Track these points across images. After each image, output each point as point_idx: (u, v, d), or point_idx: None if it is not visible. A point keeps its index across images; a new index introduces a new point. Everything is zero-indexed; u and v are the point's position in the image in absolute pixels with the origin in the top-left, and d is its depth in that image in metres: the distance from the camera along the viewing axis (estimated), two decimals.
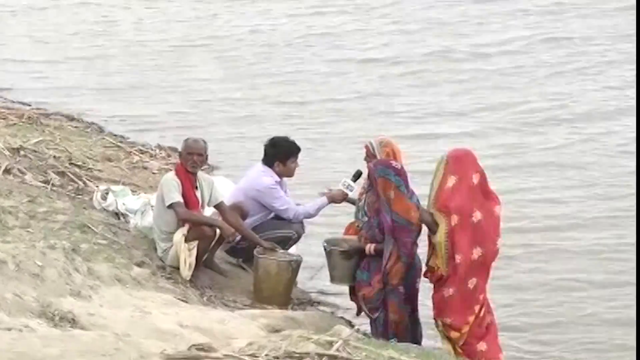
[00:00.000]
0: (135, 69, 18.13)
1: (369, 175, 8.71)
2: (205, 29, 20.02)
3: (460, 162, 8.19)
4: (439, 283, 8.30)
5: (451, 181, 8.14)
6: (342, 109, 15.46)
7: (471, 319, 8.28)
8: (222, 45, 19.03)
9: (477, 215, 8.17)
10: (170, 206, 9.27)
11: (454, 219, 8.12)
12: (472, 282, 8.23)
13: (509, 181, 12.33)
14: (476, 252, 8.18)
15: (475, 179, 8.19)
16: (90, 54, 18.86)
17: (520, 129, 14.34)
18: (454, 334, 8.30)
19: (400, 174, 8.41)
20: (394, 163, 8.47)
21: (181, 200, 9.29)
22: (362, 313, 8.94)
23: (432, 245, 8.31)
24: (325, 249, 8.80)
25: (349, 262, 8.68)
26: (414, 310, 8.67)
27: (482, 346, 8.38)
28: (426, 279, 8.52)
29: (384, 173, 8.42)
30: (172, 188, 9.31)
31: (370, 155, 8.68)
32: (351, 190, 9.54)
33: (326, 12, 20.53)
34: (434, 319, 8.46)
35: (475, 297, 8.27)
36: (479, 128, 14.30)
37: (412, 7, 20.18)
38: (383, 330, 8.54)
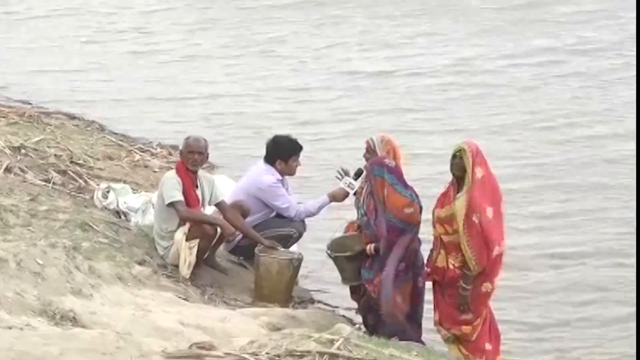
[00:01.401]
0: (139, 74, 18.21)
1: (367, 174, 8.77)
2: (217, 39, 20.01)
3: (481, 154, 8.13)
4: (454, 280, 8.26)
5: (479, 172, 8.07)
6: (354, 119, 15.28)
7: (484, 312, 8.28)
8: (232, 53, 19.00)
9: (502, 208, 8.17)
10: (171, 205, 9.27)
11: (489, 211, 8.07)
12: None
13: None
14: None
15: (492, 170, 8.18)
16: (95, 60, 18.84)
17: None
18: (465, 329, 8.26)
19: (393, 171, 8.42)
20: (386, 161, 8.48)
21: (182, 198, 9.29)
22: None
23: (443, 244, 8.27)
24: (329, 256, 8.84)
25: (355, 263, 8.74)
26: (415, 308, 8.66)
27: (488, 346, 8.38)
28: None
29: (378, 172, 8.44)
30: (172, 187, 9.31)
31: (370, 151, 8.70)
32: (352, 189, 9.53)
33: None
34: (440, 324, 8.45)
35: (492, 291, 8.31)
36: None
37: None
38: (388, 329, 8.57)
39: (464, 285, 8.15)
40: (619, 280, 10.33)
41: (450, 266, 8.23)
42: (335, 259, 8.85)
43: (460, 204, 8.06)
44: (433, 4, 20.74)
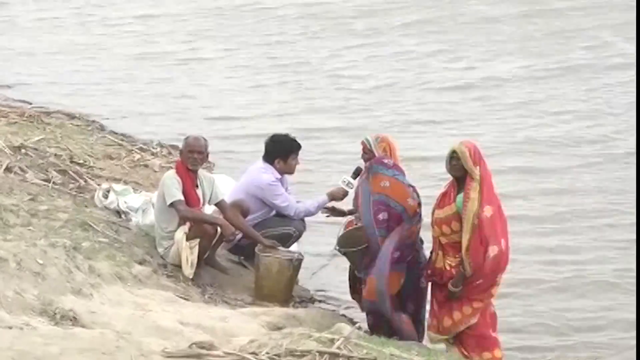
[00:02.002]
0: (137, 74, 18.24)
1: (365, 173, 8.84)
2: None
3: (479, 153, 8.11)
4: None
5: (477, 172, 8.03)
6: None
7: (486, 301, 8.26)
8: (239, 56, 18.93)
9: (496, 206, 8.12)
10: (172, 204, 9.27)
11: (488, 209, 8.00)
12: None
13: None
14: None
15: (489, 170, 8.15)
16: (96, 62, 18.83)
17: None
18: (465, 309, 8.19)
19: (390, 167, 8.43)
20: (385, 160, 8.49)
21: (182, 198, 9.29)
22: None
23: (441, 246, 8.25)
24: (339, 252, 8.85)
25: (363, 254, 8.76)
26: (418, 309, 8.65)
27: (493, 333, 8.36)
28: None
29: (376, 169, 8.46)
30: (172, 186, 9.31)
31: (367, 152, 8.70)
32: (351, 188, 9.54)
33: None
34: (434, 326, 8.43)
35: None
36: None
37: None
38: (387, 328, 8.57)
39: (453, 288, 8.16)
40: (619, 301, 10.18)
41: (447, 267, 8.24)
42: (346, 254, 8.86)
43: (471, 204, 8.01)
44: (447, 14, 20.44)
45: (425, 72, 17.33)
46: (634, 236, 11.03)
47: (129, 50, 19.48)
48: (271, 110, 15.82)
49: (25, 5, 23.07)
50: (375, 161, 8.54)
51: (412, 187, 8.50)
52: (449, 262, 8.22)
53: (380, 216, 8.40)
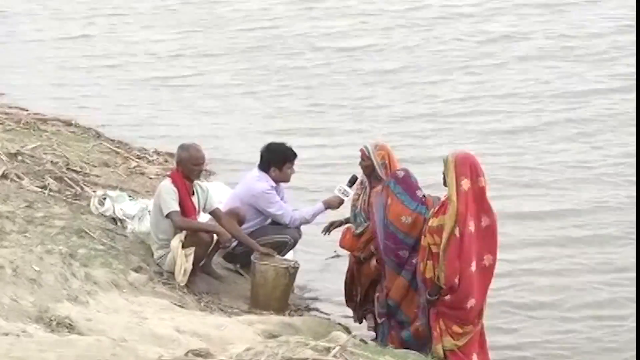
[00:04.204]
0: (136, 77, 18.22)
1: (362, 181, 8.85)
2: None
3: (469, 164, 8.03)
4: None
5: (466, 184, 7.98)
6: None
7: (478, 325, 8.25)
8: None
9: (486, 221, 8.12)
10: (168, 215, 9.27)
11: (472, 224, 7.97)
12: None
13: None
14: (487, 259, 8.15)
15: (481, 182, 8.14)
16: (95, 75, 18.82)
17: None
18: (455, 329, 8.22)
19: (400, 182, 8.42)
20: (398, 173, 8.51)
21: (178, 209, 9.28)
22: (362, 321, 9.04)
23: (431, 255, 8.24)
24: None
25: None
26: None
27: (475, 358, 8.35)
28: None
29: (387, 183, 8.51)
30: (169, 197, 9.30)
31: (365, 159, 8.78)
32: (347, 196, 9.56)
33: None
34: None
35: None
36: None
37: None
38: (383, 338, 8.59)
39: (428, 296, 8.16)
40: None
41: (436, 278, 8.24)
42: None
43: (448, 215, 8.02)
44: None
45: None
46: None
47: (132, 65, 19.42)
48: (272, 119, 15.81)
49: (29, 19, 23.05)
50: (390, 175, 8.56)
51: (420, 202, 8.42)
52: (437, 272, 8.21)
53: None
